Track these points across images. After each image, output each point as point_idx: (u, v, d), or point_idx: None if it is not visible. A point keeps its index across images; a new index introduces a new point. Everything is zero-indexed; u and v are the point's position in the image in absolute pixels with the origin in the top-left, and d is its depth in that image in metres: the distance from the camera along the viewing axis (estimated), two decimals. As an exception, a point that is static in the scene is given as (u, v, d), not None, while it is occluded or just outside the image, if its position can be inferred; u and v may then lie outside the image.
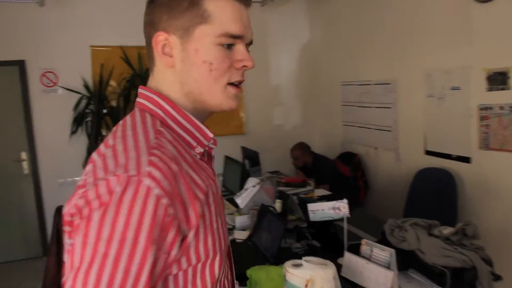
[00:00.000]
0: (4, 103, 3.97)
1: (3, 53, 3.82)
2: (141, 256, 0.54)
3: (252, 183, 2.79)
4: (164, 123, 0.71)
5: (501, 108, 2.53)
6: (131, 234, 0.54)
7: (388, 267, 1.81)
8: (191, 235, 0.62)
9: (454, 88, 2.89)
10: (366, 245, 1.97)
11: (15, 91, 3.94)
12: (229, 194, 3.17)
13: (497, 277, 1.92)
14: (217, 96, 0.74)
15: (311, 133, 4.91)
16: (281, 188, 3.05)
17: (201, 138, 0.74)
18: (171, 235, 0.58)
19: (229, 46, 0.72)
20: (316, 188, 3.53)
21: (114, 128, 0.70)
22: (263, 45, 4.71)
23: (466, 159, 2.86)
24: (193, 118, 0.74)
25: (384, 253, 1.87)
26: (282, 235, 2.12)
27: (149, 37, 0.74)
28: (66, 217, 0.59)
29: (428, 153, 3.20)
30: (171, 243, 0.59)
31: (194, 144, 0.73)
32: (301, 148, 3.91)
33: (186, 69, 0.72)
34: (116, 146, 0.62)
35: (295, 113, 5.00)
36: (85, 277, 0.52)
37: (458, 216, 2.85)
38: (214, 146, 0.78)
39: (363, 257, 1.92)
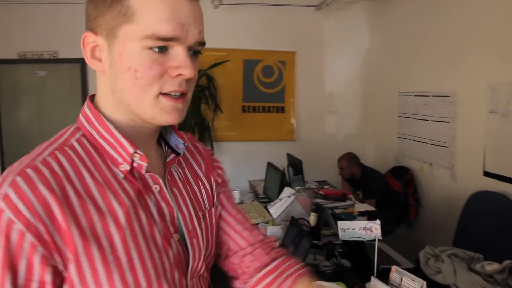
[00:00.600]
0: (66, 100, 4.20)
1: (66, 51, 4.05)
2: None
3: (287, 193, 2.71)
4: (87, 137, 0.66)
5: None
6: None
7: (416, 300, 1.65)
8: (71, 267, 0.56)
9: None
10: (396, 272, 1.82)
11: (76, 87, 4.16)
12: (268, 201, 3.10)
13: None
14: (147, 109, 0.64)
15: (364, 144, 4.69)
16: (318, 201, 2.92)
17: (124, 153, 0.65)
18: (35, 263, 0.54)
19: (162, 50, 0.61)
20: (362, 202, 3.36)
21: None
22: (317, 51, 4.58)
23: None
24: (113, 130, 0.65)
25: (414, 284, 1.70)
26: (306, 251, 2.01)
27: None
28: None
29: (487, 174, 2.90)
30: (40, 273, 0.54)
31: (120, 160, 0.65)
32: (348, 159, 3.74)
33: (114, 76, 0.63)
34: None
35: (348, 122, 4.81)
36: None
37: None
38: (143, 163, 0.67)
39: (392, 285, 1.76)
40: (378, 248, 1.91)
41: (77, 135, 0.66)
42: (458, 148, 3.23)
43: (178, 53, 0.62)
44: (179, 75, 0.63)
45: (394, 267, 1.83)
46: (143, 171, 0.67)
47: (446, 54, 3.30)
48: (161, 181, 0.70)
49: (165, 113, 0.64)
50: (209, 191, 0.84)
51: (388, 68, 4.31)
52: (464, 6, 3.08)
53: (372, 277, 1.81)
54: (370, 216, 2.68)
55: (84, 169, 0.62)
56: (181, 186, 0.76)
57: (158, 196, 0.69)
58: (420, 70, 3.71)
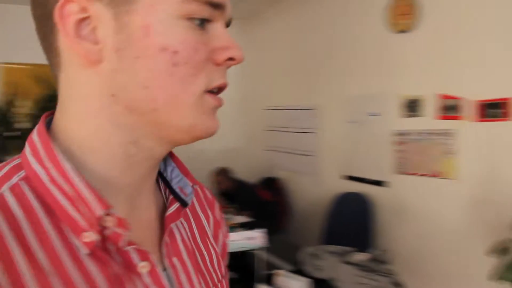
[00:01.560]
0: None
1: None
2: None
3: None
4: (32, 182, 0.39)
5: (419, 134, 2.59)
6: None
7: (303, 298, 1.70)
8: None
9: (372, 114, 2.93)
10: (281, 276, 1.86)
11: None
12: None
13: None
14: (187, 114, 0.41)
15: (236, 157, 4.79)
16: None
17: (88, 214, 0.38)
18: None
19: (203, 24, 0.40)
20: (238, 214, 3.40)
21: None
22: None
23: (382, 183, 2.89)
24: (70, 172, 0.38)
25: (299, 284, 1.76)
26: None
27: (45, 12, 0.40)
28: None
29: (347, 178, 3.21)
30: None
31: (83, 224, 0.38)
32: (221, 173, 3.78)
33: (126, 66, 0.39)
34: None
35: (219, 138, 4.85)
36: None
37: (375, 240, 2.85)
38: (122, 232, 0.39)
39: (278, 288, 1.79)
40: (259, 257, 1.93)
41: (14, 178, 0.39)
42: (321, 156, 3.51)
43: (220, 30, 0.42)
44: (230, 59, 0.43)
45: (278, 271, 1.87)
46: (120, 244, 0.40)
47: (311, 70, 3.61)
48: (152, 257, 0.43)
49: (209, 120, 0.43)
50: (219, 255, 0.57)
51: (258, 84, 4.51)
52: (326, 26, 3.41)
53: (258, 284, 1.82)
54: (248, 226, 2.72)
55: (15, 243, 0.36)
56: (184, 254, 0.49)
57: (147, 280, 0.42)
58: (288, 85, 3.98)
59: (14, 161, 0.41)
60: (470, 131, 2.31)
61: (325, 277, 1.80)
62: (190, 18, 0.39)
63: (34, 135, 0.41)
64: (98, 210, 0.38)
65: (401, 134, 2.72)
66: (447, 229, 2.44)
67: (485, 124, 2.24)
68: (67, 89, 0.41)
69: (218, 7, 0.41)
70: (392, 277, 1.79)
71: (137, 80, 0.39)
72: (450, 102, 2.38)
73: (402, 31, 2.66)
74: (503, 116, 2.14)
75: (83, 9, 0.38)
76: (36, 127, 0.42)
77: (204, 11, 0.40)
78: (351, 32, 3.14)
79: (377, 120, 2.91)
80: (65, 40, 0.39)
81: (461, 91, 2.32)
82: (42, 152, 0.40)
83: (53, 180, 0.38)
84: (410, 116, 2.64)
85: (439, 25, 2.45)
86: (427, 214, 2.56)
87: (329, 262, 1.86)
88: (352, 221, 2.97)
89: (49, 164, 0.39)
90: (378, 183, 2.93)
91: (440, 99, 2.43)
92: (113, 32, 0.38)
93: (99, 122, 0.40)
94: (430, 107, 2.49)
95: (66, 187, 0.38)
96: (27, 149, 0.41)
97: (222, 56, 0.42)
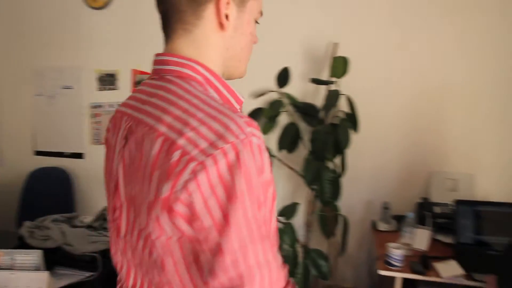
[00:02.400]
0: None
1: None
2: None
3: None
4: (205, 91, 0.69)
5: (111, 106, 2.83)
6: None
7: (39, 269, 1.71)
8: None
9: (66, 87, 2.94)
10: (5, 255, 1.76)
11: None
12: None
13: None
14: (245, 65, 0.80)
15: None
16: None
17: (234, 103, 0.74)
18: None
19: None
20: None
21: (153, 97, 0.68)
22: None
23: (80, 155, 2.99)
24: (228, 84, 0.74)
25: (31, 257, 1.74)
26: None
27: None
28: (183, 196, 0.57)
29: (40, 153, 3.11)
30: None
31: (237, 107, 0.76)
32: None
33: (237, 36, 0.75)
34: (195, 114, 0.60)
35: None
36: None
37: (77, 210, 2.95)
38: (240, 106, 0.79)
39: (4, 269, 1.71)
40: None
41: (211, 91, 0.71)
42: (5, 132, 3.20)
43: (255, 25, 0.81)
44: (255, 42, 0.81)
45: (0, 251, 1.77)
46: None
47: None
48: None
49: (245, 70, 0.82)
50: None
51: None
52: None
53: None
54: None
55: None
56: None
57: None
58: None
59: (196, 86, 0.68)
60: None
61: (56, 245, 1.84)
62: (256, 21, 0.79)
63: (199, 67, 0.70)
64: (242, 98, 0.76)
65: (95, 106, 2.90)
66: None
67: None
68: (202, 39, 0.72)
69: (261, 14, 0.81)
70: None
71: (239, 45, 0.76)
72: (143, 77, 2.77)
73: (98, 8, 2.79)
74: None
75: (228, 3, 0.71)
76: (188, 62, 0.70)
77: (258, 19, 0.79)
78: (46, 5, 2.98)
79: (71, 93, 2.95)
80: (212, 12, 0.70)
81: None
82: (208, 75, 0.71)
83: (215, 89, 0.71)
84: (106, 89, 2.85)
85: (131, 3, 2.74)
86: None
87: (55, 230, 1.89)
88: (51, 195, 2.94)
89: (215, 80, 0.72)
90: (75, 155, 3.01)
91: (134, 74, 2.77)
92: (235, 18, 0.73)
93: (218, 59, 0.74)
94: (126, 81, 2.79)
95: (224, 91, 0.73)
96: (199, 77, 0.70)
97: (255, 40, 0.80)
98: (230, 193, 0.56)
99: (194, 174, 0.56)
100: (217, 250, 0.57)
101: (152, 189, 0.60)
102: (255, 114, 2.44)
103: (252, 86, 2.62)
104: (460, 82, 2.45)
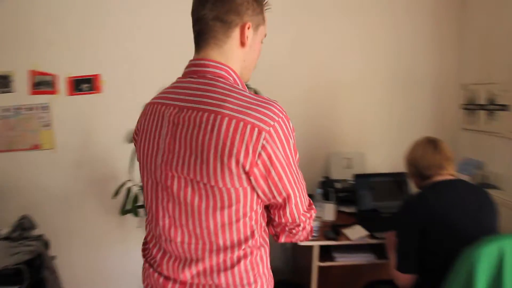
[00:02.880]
0: None
1: None
2: None
3: None
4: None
5: (7, 110, 2.62)
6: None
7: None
8: None
9: None
10: None
11: None
12: None
13: (53, 257, 2.10)
14: (251, 72, 1.08)
15: None
16: None
17: None
18: None
19: None
20: None
21: (199, 91, 0.93)
22: None
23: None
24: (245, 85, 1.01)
25: None
26: None
27: (231, 22, 0.95)
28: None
29: None
30: None
31: None
32: None
33: (251, 52, 1.02)
34: (249, 101, 0.89)
35: None
36: None
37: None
38: None
39: None
40: None
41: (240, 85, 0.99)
42: None
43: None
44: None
45: None
46: None
47: None
48: None
49: (250, 76, 1.10)
50: None
51: None
52: None
53: None
54: None
55: None
56: None
57: None
58: None
59: (219, 78, 0.95)
60: (63, 104, 2.65)
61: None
62: (261, 42, 1.06)
63: (230, 71, 0.97)
64: None
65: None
66: (57, 194, 2.71)
67: (76, 97, 2.66)
68: (229, 52, 0.98)
69: (265, 36, 1.08)
70: (40, 239, 1.91)
71: (251, 57, 1.04)
72: (43, 78, 2.62)
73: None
74: (92, 90, 2.64)
75: (249, 26, 0.98)
76: (222, 66, 0.97)
77: (263, 38, 1.06)
78: None
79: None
80: (237, 33, 0.97)
81: (53, 68, 2.61)
82: (236, 78, 0.99)
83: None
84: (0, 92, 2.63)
85: (20, 5, 2.57)
86: (36, 185, 2.69)
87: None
88: None
89: (239, 81, 1.00)
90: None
91: (32, 75, 2.61)
92: (251, 38, 1.00)
93: (238, 66, 1.01)
94: (23, 83, 2.61)
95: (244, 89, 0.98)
96: (230, 78, 0.97)
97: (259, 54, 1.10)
98: (288, 148, 0.91)
99: (265, 139, 0.85)
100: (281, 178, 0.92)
101: (225, 156, 0.85)
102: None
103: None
104: (354, 77, 2.89)
